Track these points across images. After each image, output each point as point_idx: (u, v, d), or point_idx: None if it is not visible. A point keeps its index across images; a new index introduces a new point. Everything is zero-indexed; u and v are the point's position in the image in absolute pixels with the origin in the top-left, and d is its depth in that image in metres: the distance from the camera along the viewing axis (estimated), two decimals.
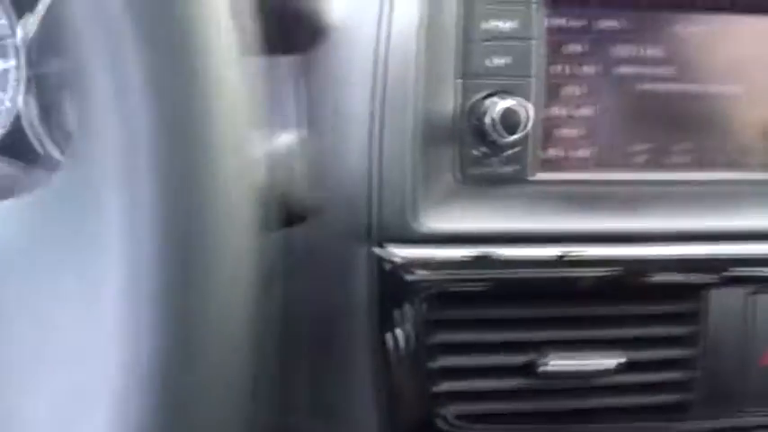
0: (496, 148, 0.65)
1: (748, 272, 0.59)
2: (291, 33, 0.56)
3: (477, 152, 0.66)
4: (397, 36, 0.54)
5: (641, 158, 0.72)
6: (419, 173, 0.53)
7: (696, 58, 0.71)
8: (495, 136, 0.62)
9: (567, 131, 0.70)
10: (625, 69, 0.70)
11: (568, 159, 0.70)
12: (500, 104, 0.61)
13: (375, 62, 0.53)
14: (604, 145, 0.70)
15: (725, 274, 0.58)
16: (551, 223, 0.58)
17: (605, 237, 0.58)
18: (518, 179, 0.66)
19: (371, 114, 0.52)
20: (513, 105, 0.61)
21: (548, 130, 0.69)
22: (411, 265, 0.51)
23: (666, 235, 0.58)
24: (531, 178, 0.67)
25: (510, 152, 0.66)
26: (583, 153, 0.71)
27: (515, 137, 0.62)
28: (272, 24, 0.57)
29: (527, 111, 0.62)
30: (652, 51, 0.70)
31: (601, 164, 0.71)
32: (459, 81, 0.64)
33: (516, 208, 0.61)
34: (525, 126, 0.62)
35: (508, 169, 0.66)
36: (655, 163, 0.71)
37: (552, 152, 0.70)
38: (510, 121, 0.61)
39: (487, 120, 0.62)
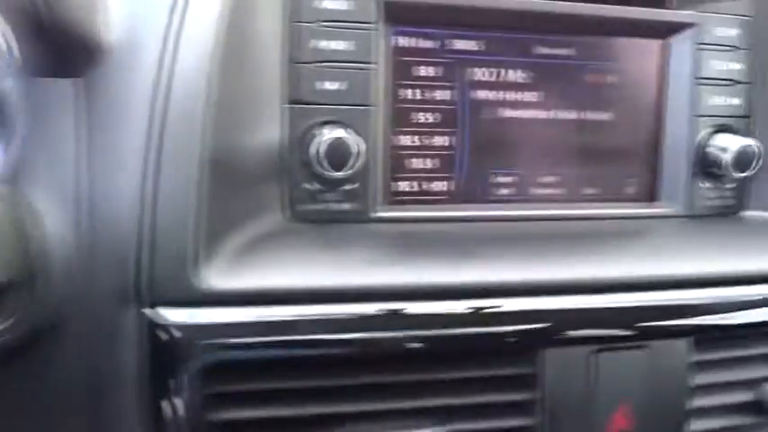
0: (329, 183, 0.58)
1: (590, 329, 0.53)
2: (64, 54, 0.48)
3: (310, 187, 0.59)
4: (186, 58, 0.46)
5: (503, 191, 0.66)
6: (203, 220, 0.45)
7: (561, 83, 0.65)
8: (320, 170, 0.55)
9: (418, 163, 0.63)
10: (483, 94, 0.64)
11: (422, 194, 0.64)
12: (326, 136, 0.54)
13: (155, 88, 0.45)
14: (462, 177, 0.64)
15: (565, 331, 0.52)
16: (374, 275, 0.50)
17: (435, 290, 0.51)
18: (358, 217, 0.60)
19: (146, 150, 0.44)
20: (343, 137, 0.54)
21: (397, 162, 0.62)
22: (188, 329, 0.43)
23: (506, 287, 0.52)
24: (374, 215, 0.60)
25: (347, 187, 0.59)
26: (437, 186, 0.64)
27: (343, 173, 0.55)
28: (41, 43, 0.49)
29: (358, 144, 0.55)
30: (513, 76, 0.64)
31: (457, 198, 0.64)
32: (287, 107, 0.57)
33: (345, 252, 0.54)
34: (356, 160, 0.55)
35: (345, 206, 0.59)
36: (518, 197, 0.66)
37: (402, 186, 0.63)
38: (337, 155, 0.54)
39: (312, 152, 0.55)
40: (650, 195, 0.69)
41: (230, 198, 0.50)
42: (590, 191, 0.68)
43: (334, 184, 0.58)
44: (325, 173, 0.55)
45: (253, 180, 0.55)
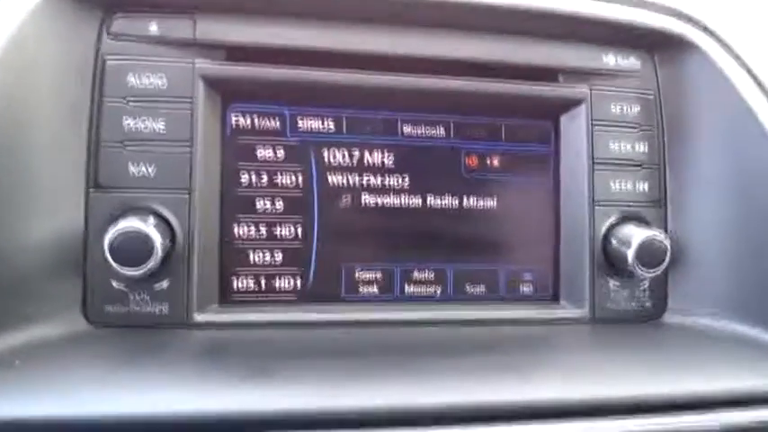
0: (132, 282, 0.49)
1: None
2: None
3: (117, 285, 0.50)
4: None
5: (364, 290, 0.56)
6: None
7: (434, 167, 0.57)
8: (114, 269, 0.46)
9: (260, 256, 0.54)
10: (337, 179, 0.55)
11: (263, 292, 0.54)
12: (117, 228, 0.46)
13: None
14: (312, 273, 0.54)
15: None
16: (174, 401, 0.40)
17: (263, 421, 0.40)
18: (173, 322, 0.50)
19: None
20: (137, 229, 0.45)
21: (233, 255, 0.53)
22: None
23: (363, 417, 0.40)
24: (194, 320, 0.50)
25: (156, 287, 0.50)
26: (283, 284, 0.54)
27: (141, 271, 0.46)
28: None
29: (164, 237, 0.47)
30: (374, 158, 0.56)
31: (307, 298, 0.54)
32: (93, 192, 0.49)
33: (142, 368, 0.44)
34: (153, 257, 0.46)
35: (155, 309, 0.50)
36: (382, 297, 0.55)
37: (239, 284, 0.54)
38: (127, 251, 0.46)
39: (106, 246, 0.46)
40: (550, 295, 0.59)
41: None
42: (475, 289, 0.57)
43: (139, 282, 0.49)
44: (120, 270, 0.46)
45: (42, 276, 0.47)
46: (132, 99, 0.50)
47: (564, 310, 0.57)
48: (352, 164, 0.55)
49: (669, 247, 0.53)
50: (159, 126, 0.50)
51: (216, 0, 0.51)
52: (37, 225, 0.46)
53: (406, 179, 0.56)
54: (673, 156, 0.59)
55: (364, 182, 0.55)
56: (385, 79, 0.54)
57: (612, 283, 0.57)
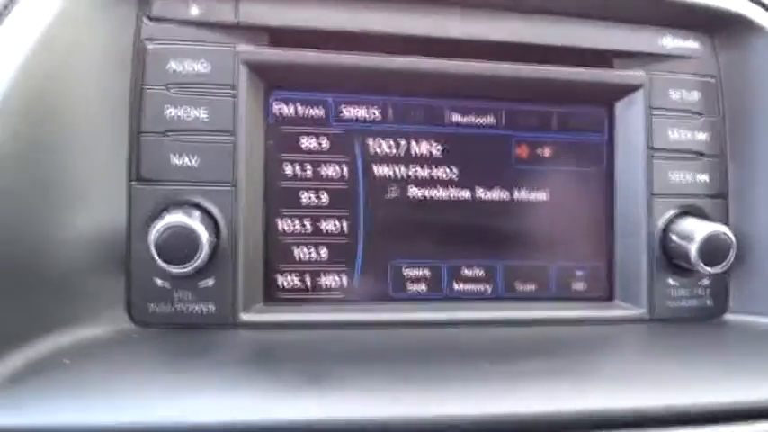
0: (177, 279, 0.47)
1: None
2: None
3: (161, 283, 0.47)
4: None
5: (412, 288, 0.53)
6: None
7: (483, 157, 0.54)
8: (159, 266, 0.44)
9: (304, 252, 0.52)
10: (383, 171, 0.53)
11: (309, 290, 0.52)
12: (163, 223, 0.44)
13: None
14: (358, 270, 0.52)
15: None
16: (223, 409, 0.38)
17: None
18: (218, 322, 0.48)
19: None
20: (184, 224, 0.43)
21: (278, 252, 0.51)
22: None
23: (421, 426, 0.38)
24: (240, 320, 0.48)
25: (201, 285, 0.48)
26: (328, 281, 0.52)
27: (186, 268, 0.44)
28: None
29: (210, 232, 0.44)
30: (421, 148, 0.54)
31: (354, 296, 0.52)
32: (135, 185, 0.47)
33: (190, 373, 0.42)
34: (200, 253, 0.43)
35: (200, 308, 0.48)
36: (430, 295, 0.53)
37: (284, 281, 0.51)
38: (174, 247, 0.43)
39: (150, 242, 0.44)
40: (605, 293, 0.56)
41: (33, 299, 0.39)
42: (525, 287, 0.55)
43: (183, 280, 0.47)
44: (166, 268, 0.44)
45: (85, 274, 0.45)
46: (174, 86, 0.47)
47: (620, 310, 0.54)
48: (399, 154, 0.53)
49: (734, 242, 0.51)
50: (202, 115, 0.47)
51: None
52: (78, 220, 0.44)
53: (455, 170, 0.53)
54: (735, 145, 0.56)
55: (411, 173, 0.53)
56: (433, 64, 0.51)
57: (671, 281, 0.54)
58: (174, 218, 0.44)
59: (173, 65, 0.47)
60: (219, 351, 0.45)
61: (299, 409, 0.37)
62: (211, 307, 0.47)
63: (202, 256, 0.44)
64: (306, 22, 0.49)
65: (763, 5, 0.56)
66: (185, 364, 0.43)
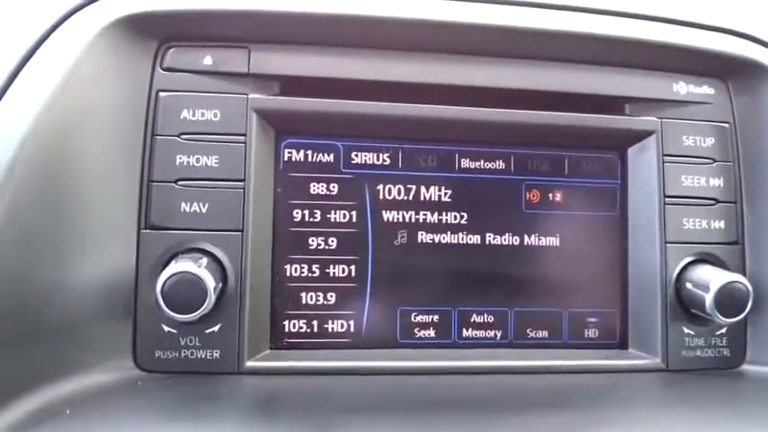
0: (183, 326, 0.47)
1: None
2: None
3: (168, 329, 0.47)
4: None
5: (421, 334, 0.53)
6: None
7: (493, 202, 0.54)
8: (166, 313, 0.44)
9: (312, 297, 0.52)
10: (392, 216, 0.53)
11: (316, 335, 0.51)
12: (170, 270, 0.44)
13: None
14: (366, 316, 0.51)
15: None
16: None
17: None
18: (224, 368, 0.47)
19: None
20: (190, 272, 0.43)
21: (285, 297, 0.50)
22: None
23: None
24: (246, 366, 0.47)
25: (207, 331, 0.48)
26: (336, 326, 0.52)
27: (192, 315, 0.44)
28: None
29: (217, 279, 0.44)
30: (430, 193, 0.53)
31: (362, 342, 0.51)
32: (145, 232, 0.47)
33: (196, 419, 0.42)
34: (207, 301, 0.43)
35: (206, 354, 0.47)
36: (440, 341, 0.52)
37: (291, 326, 0.51)
38: (181, 295, 0.43)
39: (158, 290, 0.45)
40: (619, 341, 0.55)
41: (39, 348, 0.40)
42: (537, 334, 0.54)
43: (190, 326, 0.47)
44: (172, 315, 0.44)
45: (93, 320, 0.45)
46: (185, 134, 0.48)
47: (634, 359, 0.53)
48: (408, 199, 0.53)
49: (751, 291, 0.50)
50: (212, 162, 0.48)
51: (270, 31, 0.49)
52: (87, 267, 0.45)
53: (464, 216, 0.53)
54: (751, 191, 0.55)
55: (420, 219, 0.53)
56: (444, 111, 0.52)
57: (686, 330, 0.53)
58: (182, 266, 0.44)
59: (185, 113, 0.48)
60: (224, 399, 0.45)
61: None
62: (217, 353, 0.47)
63: (209, 303, 0.44)
64: (315, 71, 0.50)
65: None
66: (189, 412, 0.43)
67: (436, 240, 0.53)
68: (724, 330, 0.53)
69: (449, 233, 0.53)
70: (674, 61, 0.55)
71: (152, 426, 0.40)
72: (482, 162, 0.54)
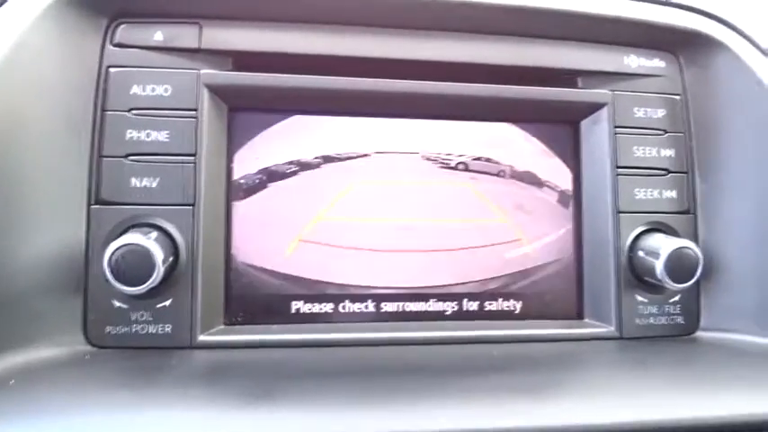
0: (133, 300, 0.47)
1: None
2: None
3: (118, 304, 0.48)
4: None
5: (365, 308, 0.53)
6: None
7: (434, 175, 0.54)
8: (114, 287, 0.44)
9: (251, 277, 0.52)
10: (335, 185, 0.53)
11: (267, 312, 0.51)
12: (117, 242, 0.44)
13: None
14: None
15: None
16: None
17: None
18: (176, 343, 0.47)
19: None
20: (138, 244, 0.43)
21: (238, 275, 0.51)
22: None
23: None
24: (198, 341, 0.47)
25: (158, 305, 0.48)
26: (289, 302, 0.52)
27: (141, 288, 0.44)
28: None
29: (157, 255, 0.43)
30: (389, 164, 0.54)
31: (310, 317, 0.51)
32: (95, 207, 0.47)
33: (144, 391, 0.41)
34: (155, 273, 0.43)
35: (157, 329, 0.47)
36: (389, 313, 0.52)
37: (245, 301, 0.52)
38: (129, 268, 0.43)
39: (105, 262, 0.44)
40: (575, 312, 0.55)
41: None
42: (492, 306, 0.54)
43: (141, 301, 0.47)
44: (120, 288, 0.44)
45: (43, 295, 0.45)
46: (136, 110, 0.48)
47: (589, 328, 0.53)
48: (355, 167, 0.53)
49: (701, 257, 0.50)
50: (163, 137, 0.48)
51: (222, 7, 0.50)
52: (37, 242, 0.45)
53: (418, 199, 0.54)
54: (701, 161, 0.55)
55: (366, 188, 0.53)
56: (397, 85, 0.52)
57: (640, 298, 0.53)
58: (130, 238, 0.44)
59: (135, 89, 0.48)
60: (172, 370, 0.45)
61: (246, 425, 0.37)
62: (168, 328, 0.47)
63: (157, 276, 0.44)
64: (267, 46, 0.50)
65: (725, 23, 0.56)
66: (135, 382, 0.42)
67: (392, 222, 0.53)
68: (677, 298, 0.54)
69: (403, 204, 0.53)
70: (626, 35, 0.56)
71: (96, 394, 0.40)
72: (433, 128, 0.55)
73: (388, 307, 0.52)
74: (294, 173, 0.52)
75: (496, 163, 0.55)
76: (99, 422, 0.37)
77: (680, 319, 0.54)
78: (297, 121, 0.52)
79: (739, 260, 0.53)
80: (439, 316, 0.53)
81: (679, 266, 0.50)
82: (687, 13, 0.57)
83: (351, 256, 0.52)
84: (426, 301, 0.53)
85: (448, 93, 0.53)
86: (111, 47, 0.49)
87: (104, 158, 0.48)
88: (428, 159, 0.54)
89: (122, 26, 0.49)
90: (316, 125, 0.52)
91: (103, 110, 0.48)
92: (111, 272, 0.44)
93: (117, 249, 0.43)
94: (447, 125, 0.54)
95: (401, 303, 0.52)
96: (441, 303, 0.53)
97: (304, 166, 0.52)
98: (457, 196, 0.54)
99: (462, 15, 0.52)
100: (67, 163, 0.47)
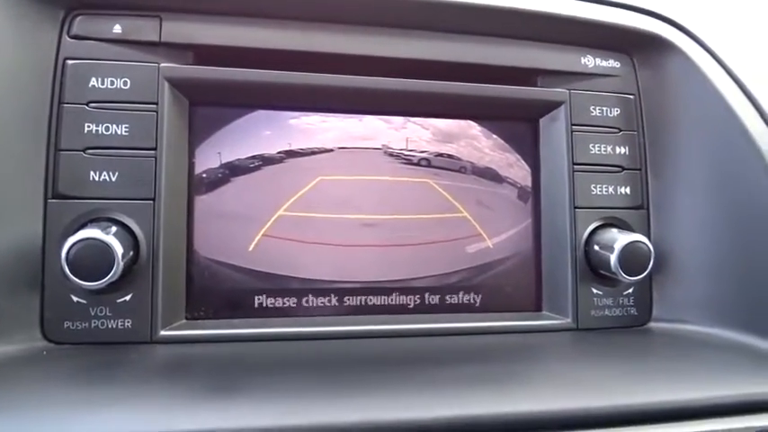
0: (92, 295, 0.47)
1: None
2: None
3: (77, 299, 0.47)
4: None
5: (327, 302, 0.54)
6: None
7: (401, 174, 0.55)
8: (73, 282, 0.43)
9: (213, 271, 0.52)
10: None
11: (230, 307, 0.51)
12: (75, 237, 0.43)
13: None
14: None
15: None
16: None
17: None
18: (136, 338, 0.47)
19: None
20: (97, 239, 0.43)
21: (200, 269, 0.50)
22: None
23: None
24: (159, 336, 0.47)
25: (118, 300, 0.47)
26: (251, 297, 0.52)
27: (99, 283, 0.43)
28: None
29: (116, 250, 0.43)
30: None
31: (272, 311, 0.51)
32: (52, 201, 0.47)
33: (105, 387, 0.41)
34: (114, 268, 0.43)
35: (117, 324, 0.47)
36: (353, 308, 0.53)
37: (207, 296, 0.51)
38: (87, 262, 0.43)
39: (63, 257, 0.44)
40: (534, 305, 0.57)
41: None
42: (452, 299, 0.55)
43: (100, 296, 0.46)
44: (78, 283, 0.44)
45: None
46: (94, 103, 0.48)
47: (546, 320, 0.55)
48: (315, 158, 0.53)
49: (652, 251, 0.52)
50: (122, 131, 0.48)
51: (183, 0, 0.50)
52: None
53: (380, 195, 0.54)
54: (654, 158, 0.58)
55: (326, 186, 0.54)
56: (358, 81, 0.53)
57: (596, 291, 0.55)
58: (88, 232, 0.43)
59: (93, 82, 0.48)
60: (134, 366, 0.44)
61: (206, 418, 0.37)
62: (129, 323, 0.47)
63: (117, 271, 0.43)
64: (228, 40, 0.50)
65: (678, 27, 0.59)
66: (92, 376, 0.42)
67: (353, 215, 0.54)
68: (631, 290, 0.56)
69: (366, 207, 0.54)
70: (583, 36, 0.58)
71: (52, 391, 0.40)
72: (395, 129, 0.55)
73: (351, 301, 0.53)
74: (257, 167, 0.52)
75: (458, 159, 0.56)
76: (55, 419, 0.37)
77: (633, 311, 0.56)
78: (260, 116, 0.52)
79: (689, 254, 0.55)
80: (401, 309, 0.54)
81: (632, 260, 0.52)
82: (642, 15, 0.59)
83: (314, 251, 0.52)
84: (389, 294, 0.53)
85: (411, 89, 0.54)
86: (69, 38, 0.48)
87: (62, 152, 0.47)
88: (391, 155, 0.55)
89: (79, 18, 0.48)
90: (279, 120, 0.53)
91: (61, 102, 0.47)
92: (70, 267, 0.43)
93: (75, 243, 0.43)
94: (410, 121, 0.55)
95: (364, 297, 0.53)
96: (403, 297, 0.54)
97: (267, 161, 0.52)
98: (419, 192, 0.55)
99: (424, 13, 0.53)
100: (24, 156, 0.46)
